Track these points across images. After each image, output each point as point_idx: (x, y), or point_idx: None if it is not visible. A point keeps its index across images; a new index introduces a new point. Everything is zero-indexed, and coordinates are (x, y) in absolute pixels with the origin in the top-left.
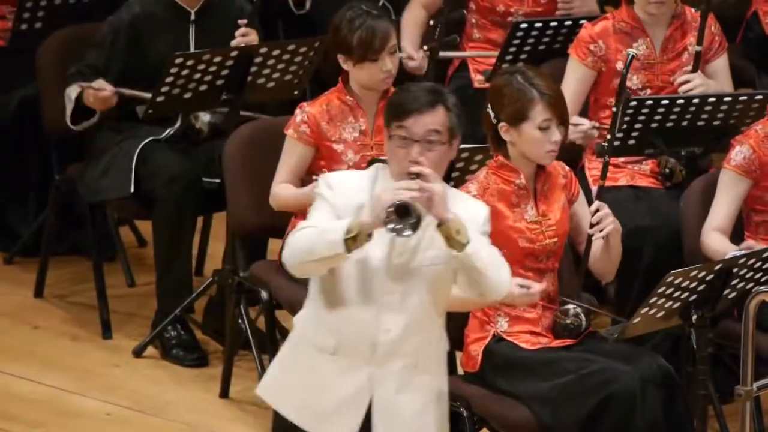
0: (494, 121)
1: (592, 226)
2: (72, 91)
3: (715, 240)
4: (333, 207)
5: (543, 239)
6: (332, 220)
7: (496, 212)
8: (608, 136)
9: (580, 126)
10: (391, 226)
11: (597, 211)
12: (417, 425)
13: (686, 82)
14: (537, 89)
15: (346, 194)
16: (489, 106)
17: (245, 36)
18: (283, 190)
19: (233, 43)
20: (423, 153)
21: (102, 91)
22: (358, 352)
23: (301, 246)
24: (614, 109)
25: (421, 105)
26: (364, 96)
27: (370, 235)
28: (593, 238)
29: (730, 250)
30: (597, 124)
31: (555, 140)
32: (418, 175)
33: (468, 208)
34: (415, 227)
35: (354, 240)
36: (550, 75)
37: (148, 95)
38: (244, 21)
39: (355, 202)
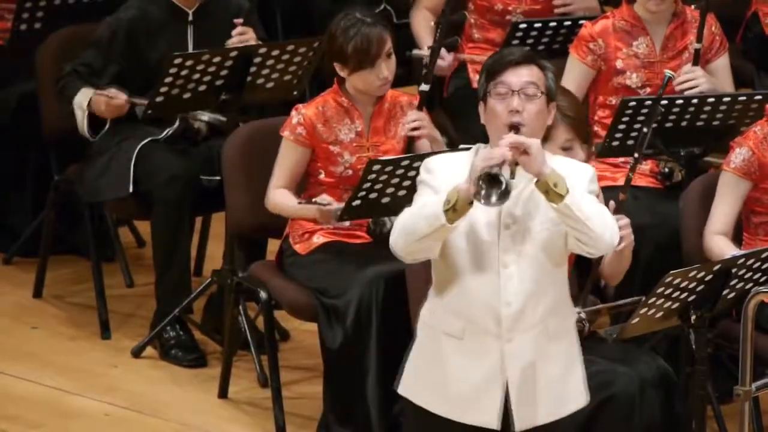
0: None
1: None
2: (83, 99)
3: (720, 244)
4: (435, 190)
5: None
6: None
7: None
8: (636, 155)
9: None
10: (478, 195)
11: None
12: (557, 395)
13: (688, 81)
14: (560, 111)
15: (447, 175)
16: None
17: (242, 35)
18: (278, 198)
19: (230, 42)
20: (522, 105)
21: (116, 99)
22: (486, 330)
23: (405, 227)
24: (644, 129)
25: (516, 58)
26: (360, 97)
27: (471, 203)
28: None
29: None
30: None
31: (579, 160)
32: (517, 129)
33: (574, 167)
34: (502, 197)
35: (454, 210)
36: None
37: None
38: (240, 20)
39: (457, 182)
